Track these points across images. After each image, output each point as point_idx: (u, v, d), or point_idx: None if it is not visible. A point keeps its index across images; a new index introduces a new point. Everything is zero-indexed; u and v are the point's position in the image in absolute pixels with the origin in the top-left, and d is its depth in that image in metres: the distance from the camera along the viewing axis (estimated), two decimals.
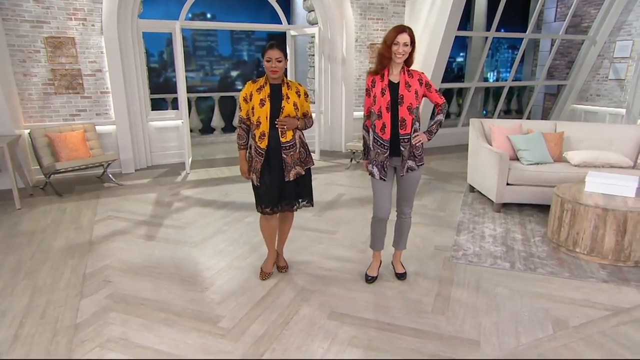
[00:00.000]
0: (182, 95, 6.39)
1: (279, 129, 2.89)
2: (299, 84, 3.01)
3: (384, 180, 2.89)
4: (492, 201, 4.72)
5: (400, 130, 2.78)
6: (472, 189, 5.38)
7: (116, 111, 6.17)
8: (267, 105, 2.86)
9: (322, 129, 7.92)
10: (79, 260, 3.50)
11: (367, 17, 7.61)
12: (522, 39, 8.55)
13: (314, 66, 7.81)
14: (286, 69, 2.93)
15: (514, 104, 11.40)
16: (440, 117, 2.90)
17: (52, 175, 5.44)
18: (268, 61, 2.80)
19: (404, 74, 2.79)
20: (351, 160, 6.89)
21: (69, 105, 5.98)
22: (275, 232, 3.22)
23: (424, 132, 2.90)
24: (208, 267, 3.42)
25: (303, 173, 3.06)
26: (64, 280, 3.17)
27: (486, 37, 8.34)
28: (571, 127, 5.16)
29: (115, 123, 6.21)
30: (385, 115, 2.77)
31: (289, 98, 2.89)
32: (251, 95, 2.89)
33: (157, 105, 8.62)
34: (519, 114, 11.28)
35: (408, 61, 2.80)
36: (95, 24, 5.90)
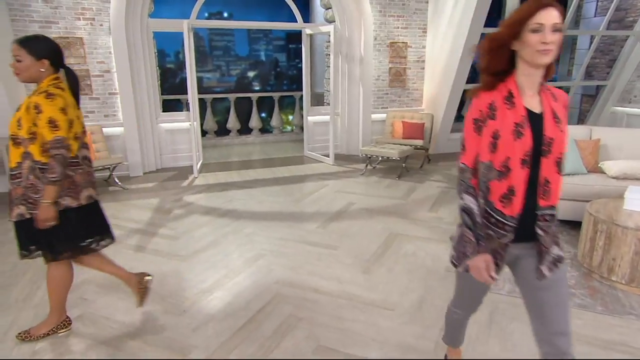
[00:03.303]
0: (193, 96, 6.19)
1: None
2: (40, 94, 2.14)
3: (494, 279, 1.61)
4: None
5: (540, 201, 1.54)
6: None
7: (124, 113, 6.04)
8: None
9: (338, 132, 7.57)
10: None
11: (387, 14, 7.19)
12: None
13: (330, 66, 7.46)
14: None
15: None
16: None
17: None
18: None
19: (547, 94, 1.56)
20: (366, 166, 6.51)
21: None
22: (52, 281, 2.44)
23: None
24: (192, 284, 3.14)
25: (27, 217, 2.20)
26: (38, 296, 2.96)
27: None
28: (609, 133, 4.59)
29: (123, 125, 6.08)
30: (517, 174, 1.50)
31: (19, 110, 2.18)
32: None
33: (173, 106, 8.52)
34: None
35: (548, 69, 1.52)
36: (104, 24, 5.77)
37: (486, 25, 6.69)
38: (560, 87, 8.19)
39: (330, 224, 4.36)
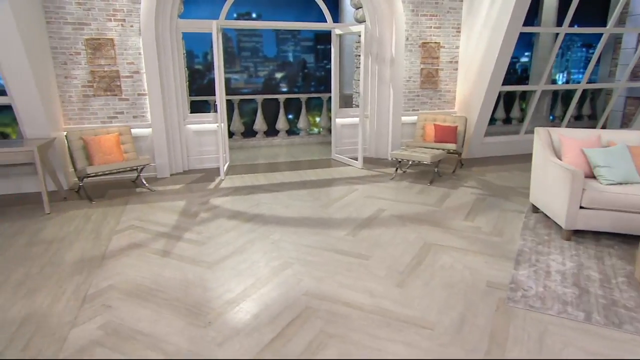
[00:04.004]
0: (221, 97, 6.10)
1: None
2: None
3: None
4: (561, 227, 3.95)
5: None
6: (535, 209, 4.59)
7: (152, 114, 6.01)
8: None
9: (367, 135, 7.36)
10: (86, 277, 3.23)
11: (420, 14, 6.94)
12: (601, 34, 7.46)
13: (360, 67, 7.27)
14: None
15: (586, 108, 10.16)
16: None
17: (87, 179, 5.35)
18: None
19: None
20: (396, 170, 6.28)
21: (107, 107, 5.89)
22: None
23: None
24: (218, 294, 3.01)
25: None
26: (63, 301, 2.89)
27: (556, 34, 7.37)
28: None
29: (151, 126, 6.05)
30: None
31: None
32: None
33: (200, 107, 8.50)
34: (592, 120, 10.03)
35: None
36: (134, 25, 5.76)
37: (525, 25, 6.37)
38: (599, 89, 7.74)
39: (361, 231, 4.17)
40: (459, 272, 3.34)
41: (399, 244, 3.87)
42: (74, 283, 3.15)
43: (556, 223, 4.13)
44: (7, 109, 5.23)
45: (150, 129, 6.09)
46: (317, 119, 9.55)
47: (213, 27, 5.79)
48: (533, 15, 9.67)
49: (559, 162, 4.01)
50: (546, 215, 4.40)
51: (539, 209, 4.49)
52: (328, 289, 3.09)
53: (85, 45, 5.65)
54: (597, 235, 3.97)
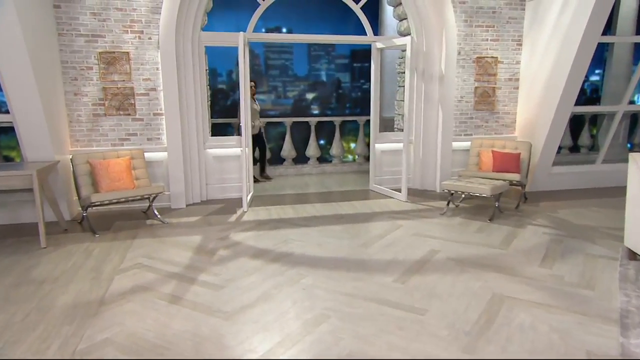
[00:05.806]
0: (246, 118, 5.90)
1: None
2: None
3: None
4: None
5: None
6: (633, 255, 4.03)
7: (169, 136, 5.85)
8: None
9: (411, 163, 6.97)
10: (77, 328, 2.92)
11: (474, 24, 6.65)
12: None
13: (403, 85, 6.97)
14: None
15: None
16: None
17: (91, 208, 5.16)
18: None
19: None
20: (448, 204, 5.82)
21: (119, 128, 5.78)
22: None
23: None
24: (237, 354, 2.62)
25: None
26: None
27: (636, 47, 6.90)
28: None
29: (167, 150, 5.88)
30: None
31: None
32: None
33: (223, 131, 8.40)
34: None
35: None
36: (152, 37, 5.70)
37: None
38: None
39: (411, 277, 3.73)
40: (544, 335, 2.84)
41: (462, 294, 3.40)
42: (62, 335, 2.83)
43: None
44: (13, 130, 5.17)
45: (165, 153, 5.92)
46: (352, 145, 9.28)
47: (240, 39, 5.66)
48: (605, 26, 9.22)
49: None
50: None
51: (639, 255, 3.93)
52: (375, 352, 2.65)
53: (98, 60, 5.61)
54: None
